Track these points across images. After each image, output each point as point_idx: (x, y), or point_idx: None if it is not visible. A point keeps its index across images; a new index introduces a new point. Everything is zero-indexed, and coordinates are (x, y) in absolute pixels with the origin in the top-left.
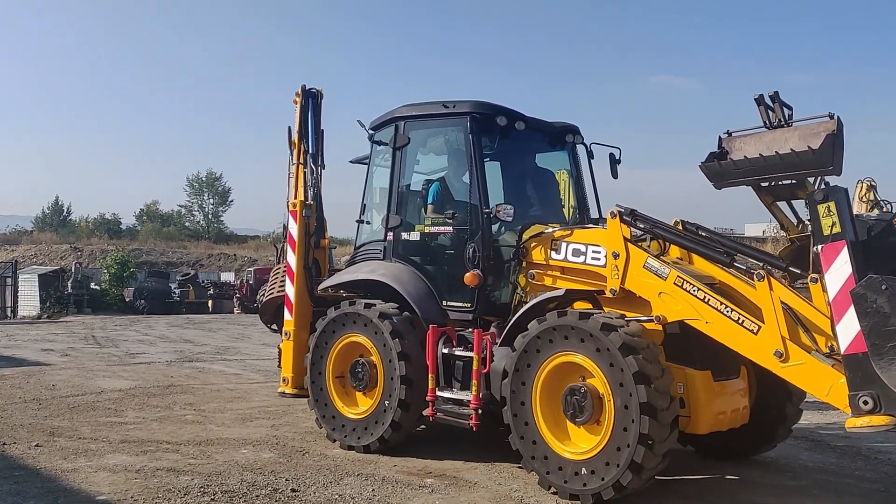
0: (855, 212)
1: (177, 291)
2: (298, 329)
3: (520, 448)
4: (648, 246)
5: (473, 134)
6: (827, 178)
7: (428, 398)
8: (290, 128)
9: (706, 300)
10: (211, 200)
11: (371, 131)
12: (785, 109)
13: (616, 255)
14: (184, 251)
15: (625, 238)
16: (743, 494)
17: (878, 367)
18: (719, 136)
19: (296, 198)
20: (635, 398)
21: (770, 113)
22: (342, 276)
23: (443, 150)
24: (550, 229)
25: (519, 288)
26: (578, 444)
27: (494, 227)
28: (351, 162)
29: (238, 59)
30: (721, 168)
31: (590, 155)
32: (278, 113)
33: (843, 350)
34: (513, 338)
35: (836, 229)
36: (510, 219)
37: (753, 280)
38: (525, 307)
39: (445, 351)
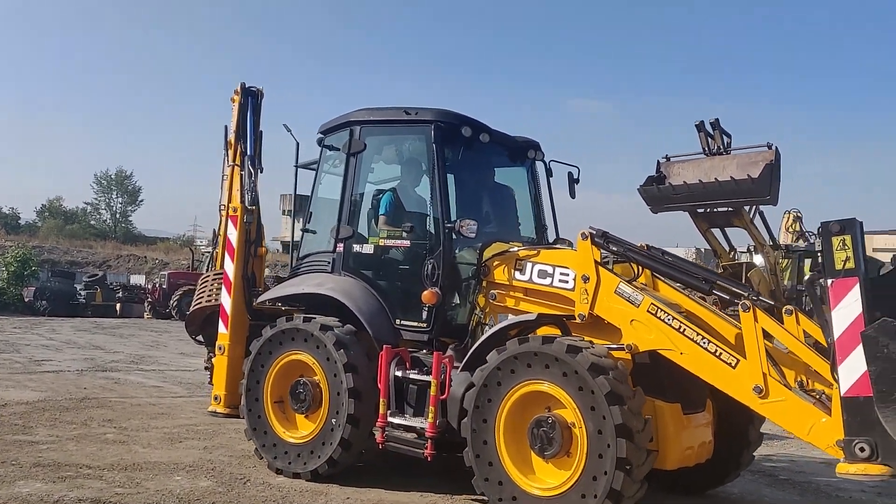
0: (780, 242)
1: (82, 293)
2: (234, 343)
3: (485, 491)
4: (613, 269)
5: (437, 143)
6: (762, 208)
7: (378, 424)
8: (226, 127)
9: (681, 330)
10: (119, 199)
11: (321, 135)
12: (724, 137)
13: (586, 279)
14: (90, 251)
15: (595, 261)
16: None
17: (883, 415)
18: (658, 161)
19: (230, 201)
20: (609, 420)
21: (710, 140)
22: (285, 288)
23: (400, 158)
24: (515, 248)
25: (478, 309)
26: (548, 479)
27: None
28: (296, 167)
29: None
30: (659, 192)
31: (548, 173)
32: (197, 113)
33: (843, 392)
34: (474, 364)
35: (850, 265)
36: (473, 235)
37: (738, 310)
38: (488, 332)
39: (399, 373)
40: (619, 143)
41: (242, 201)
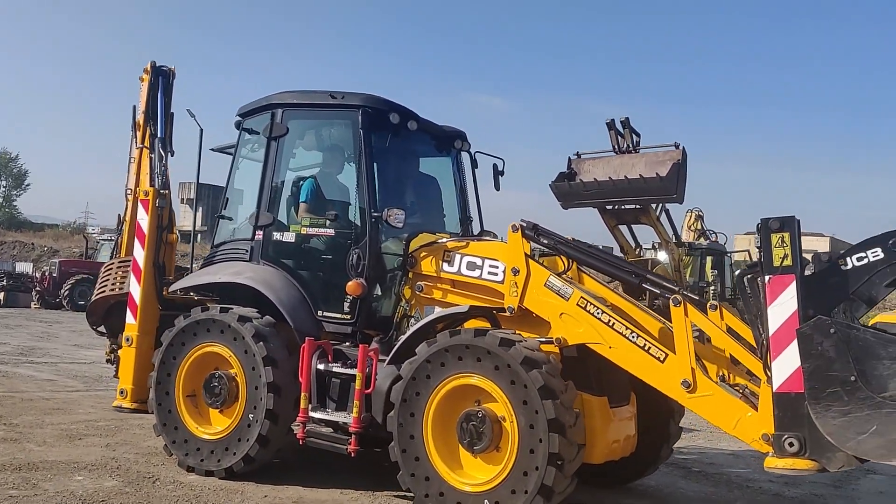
0: (683, 239)
1: None
2: (143, 334)
3: (411, 487)
4: (542, 263)
5: (364, 129)
6: (667, 206)
7: (299, 419)
8: (134, 108)
9: (611, 324)
10: (4, 183)
11: (239, 118)
12: (634, 136)
13: (516, 272)
14: None
15: (526, 254)
16: None
17: (814, 411)
18: (569, 157)
19: (138, 185)
20: (542, 415)
21: (619, 138)
22: (200, 276)
23: (323, 144)
24: (443, 239)
25: (403, 301)
26: (476, 475)
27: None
28: (213, 150)
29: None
30: (570, 188)
31: (474, 164)
32: (94, 99)
33: (775, 387)
34: (402, 357)
35: (788, 262)
36: (401, 225)
37: (669, 304)
38: (417, 324)
39: (321, 367)
40: (522, 139)
41: (153, 185)
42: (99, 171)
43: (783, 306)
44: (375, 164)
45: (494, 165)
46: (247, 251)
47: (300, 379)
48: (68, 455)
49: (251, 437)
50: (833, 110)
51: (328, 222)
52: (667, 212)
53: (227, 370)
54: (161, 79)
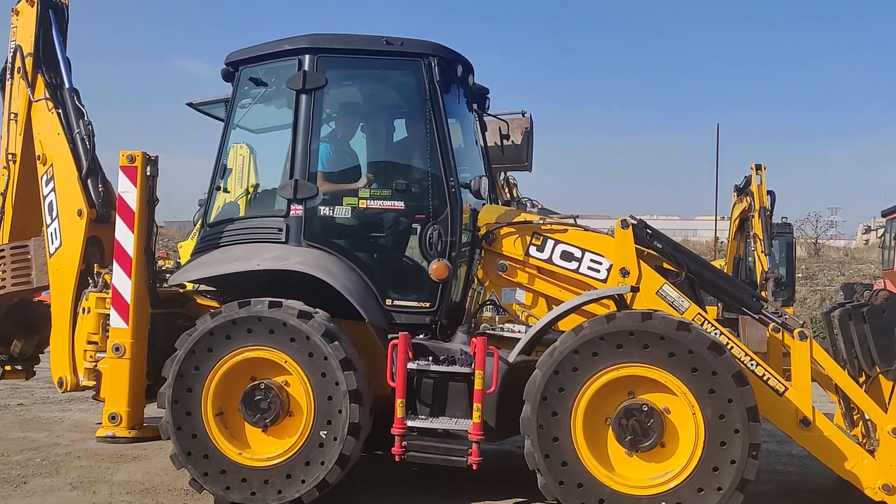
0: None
1: None
2: (137, 341)
3: (561, 497)
4: None
5: (439, 83)
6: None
7: (396, 431)
8: (18, 48)
9: (728, 347)
10: None
11: (236, 66)
12: None
13: (625, 273)
14: None
15: (638, 256)
16: None
17: None
18: None
19: (19, 150)
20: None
21: None
22: (220, 264)
23: (371, 100)
24: (531, 219)
25: (475, 282)
26: (634, 475)
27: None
28: (191, 106)
29: None
30: None
31: (483, 126)
32: None
33: None
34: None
35: None
36: (486, 196)
37: (794, 336)
38: (555, 312)
39: (412, 366)
40: None
41: (75, 150)
42: None
43: None
44: (446, 125)
45: (499, 129)
46: (280, 230)
47: (390, 383)
48: None
49: (328, 459)
50: None
51: (395, 193)
52: (508, 181)
53: (271, 379)
54: (53, 13)
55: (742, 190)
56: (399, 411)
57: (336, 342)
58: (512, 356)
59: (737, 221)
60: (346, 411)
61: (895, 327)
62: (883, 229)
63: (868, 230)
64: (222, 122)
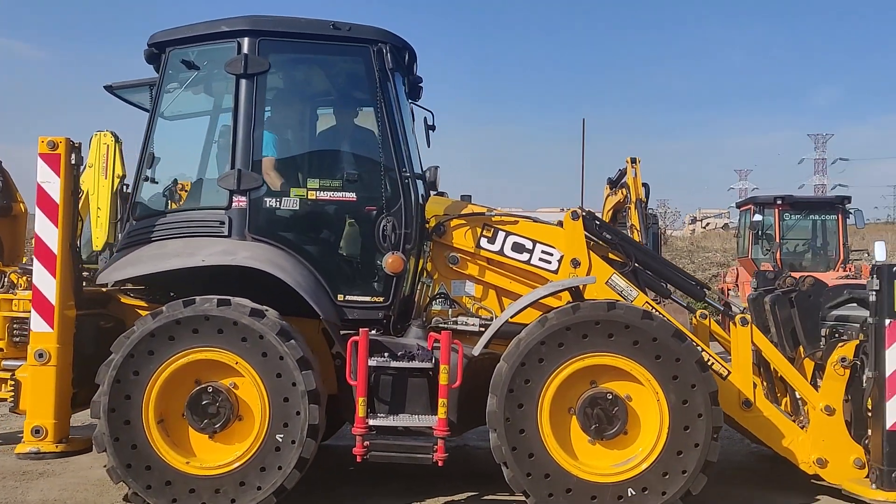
0: None
1: None
2: (62, 346)
3: (528, 488)
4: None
5: (389, 71)
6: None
7: (357, 431)
8: None
9: None
10: None
11: (155, 48)
12: None
13: (576, 264)
14: None
15: (588, 246)
16: None
17: None
18: None
19: None
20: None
21: None
22: (156, 261)
23: (315, 86)
24: (476, 209)
25: (424, 275)
26: (598, 464)
27: None
28: (108, 90)
29: None
30: None
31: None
32: None
33: (888, 425)
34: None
35: None
36: (438, 189)
37: (736, 322)
38: (522, 301)
39: (373, 363)
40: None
41: None
42: None
43: None
44: (397, 114)
45: (425, 119)
46: (222, 223)
47: (350, 381)
48: None
49: (286, 464)
50: None
51: (345, 184)
52: None
53: (218, 381)
54: None
55: (616, 182)
56: (361, 410)
57: (292, 341)
58: (477, 349)
59: (609, 213)
60: (305, 412)
61: (820, 311)
62: (738, 220)
63: (694, 220)
64: (140, 110)
